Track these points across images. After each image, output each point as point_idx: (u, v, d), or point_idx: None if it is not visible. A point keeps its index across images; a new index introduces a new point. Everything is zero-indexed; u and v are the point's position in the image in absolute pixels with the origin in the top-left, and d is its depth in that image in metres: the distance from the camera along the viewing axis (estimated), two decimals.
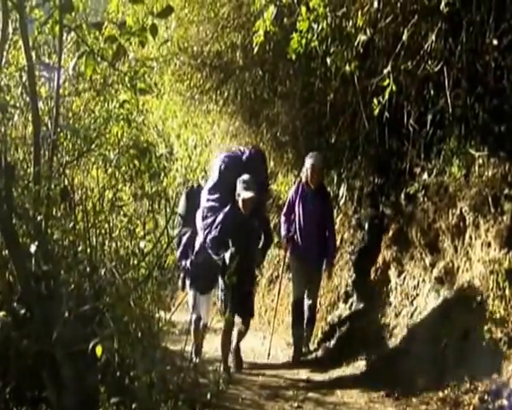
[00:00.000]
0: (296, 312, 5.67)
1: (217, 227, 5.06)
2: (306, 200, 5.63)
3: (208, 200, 5.29)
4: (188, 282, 5.82)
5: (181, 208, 6.13)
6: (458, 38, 4.46)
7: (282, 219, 5.87)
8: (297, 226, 5.69)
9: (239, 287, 4.62)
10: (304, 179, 5.67)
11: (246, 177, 5.11)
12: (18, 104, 3.79)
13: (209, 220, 5.18)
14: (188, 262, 5.66)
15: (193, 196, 5.94)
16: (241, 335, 5.41)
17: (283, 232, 5.81)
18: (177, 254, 5.88)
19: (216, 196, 5.25)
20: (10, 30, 3.79)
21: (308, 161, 5.61)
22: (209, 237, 5.11)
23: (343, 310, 5.90)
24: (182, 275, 5.92)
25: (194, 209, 5.59)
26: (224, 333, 5.23)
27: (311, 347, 5.85)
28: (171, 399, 2.72)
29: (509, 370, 3.63)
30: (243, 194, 5.05)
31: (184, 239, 5.83)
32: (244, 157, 5.39)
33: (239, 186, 5.09)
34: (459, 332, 4.14)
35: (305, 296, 5.67)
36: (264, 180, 5.58)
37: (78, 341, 2.53)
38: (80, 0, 4.99)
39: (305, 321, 5.67)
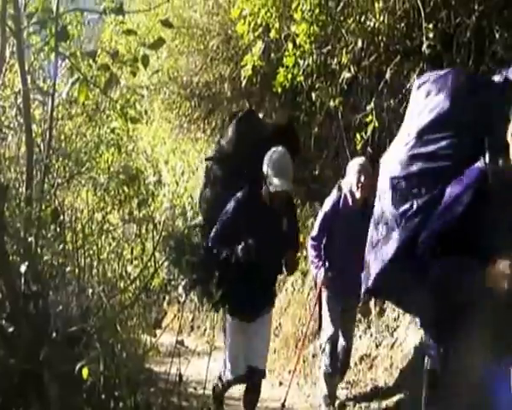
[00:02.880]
0: (333, 357, 4.46)
1: (457, 202, 2.21)
2: (348, 219, 4.29)
3: (428, 142, 2.41)
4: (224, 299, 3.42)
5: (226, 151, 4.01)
6: None
7: (312, 243, 4.44)
8: (334, 254, 4.38)
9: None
10: (347, 190, 4.31)
11: None
12: (12, 125, 3.85)
13: (432, 194, 2.31)
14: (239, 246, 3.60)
15: (251, 130, 3.99)
16: None
17: (317, 263, 4.39)
18: (210, 239, 3.82)
19: (443, 134, 2.38)
20: (7, 54, 3.87)
21: (354, 166, 4.30)
22: (435, 225, 2.23)
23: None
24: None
25: (250, 154, 3.74)
26: None
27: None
28: None
29: None
30: None
31: (229, 212, 3.68)
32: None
33: None
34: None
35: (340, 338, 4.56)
36: None
37: (65, 361, 2.55)
38: (76, 28, 5.12)
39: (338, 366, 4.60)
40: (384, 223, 2.45)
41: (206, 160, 4.27)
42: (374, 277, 2.50)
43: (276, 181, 3.62)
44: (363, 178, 4.21)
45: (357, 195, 4.25)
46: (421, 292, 2.32)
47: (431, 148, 2.41)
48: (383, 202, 2.52)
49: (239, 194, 3.74)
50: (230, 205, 3.72)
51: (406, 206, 2.37)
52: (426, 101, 2.57)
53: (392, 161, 2.53)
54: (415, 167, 2.42)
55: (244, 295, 3.61)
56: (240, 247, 3.56)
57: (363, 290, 2.71)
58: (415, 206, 2.35)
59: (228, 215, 3.72)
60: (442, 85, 2.52)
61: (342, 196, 4.38)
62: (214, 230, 3.76)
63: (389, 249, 2.38)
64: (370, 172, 4.29)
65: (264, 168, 3.68)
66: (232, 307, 3.78)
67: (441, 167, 2.35)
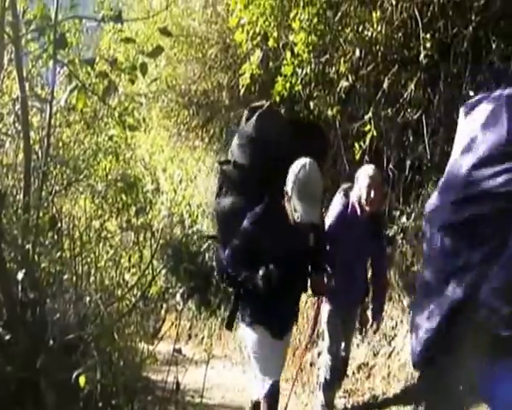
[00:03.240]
0: (334, 372, 4.40)
1: None
2: (355, 229, 4.08)
3: (483, 179, 1.90)
4: (246, 311, 3.42)
5: (241, 152, 3.50)
6: (436, 88, 4.67)
7: None
8: (337, 263, 4.09)
9: None
10: (356, 200, 4.08)
11: None
12: (10, 132, 3.85)
13: (492, 243, 1.85)
14: (259, 271, 3.15)
15: (273, 128, 3.46)
16: None
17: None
18: (226, 257, 3.34)
19: (501, 168, 1.88)
20: (5, 61, 3.87)
21: (365, 178, 4.01)
22: (497, 281, 1.81)
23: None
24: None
25: (273, 157, 3.26)
26: None
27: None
28: None
29: None
30: None
31: (247, 229, 3.24)
32: None
33: None
34: (436, 373, 4.21)
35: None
36: None
37: (62, 369, 2.54)
38: (74, 36, 5.14)
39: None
40: (432, 279, 2.00)
41: (221, 163, 3.78)
42: (420, 349, 2.03)
43: (300, 209, 3.13)
44: (373, 194, 3.99)
45: (367, 209, 4.05)
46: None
47: (487, 185, 1.89)
48: (431, 257, 2.04)
49: (258, 208, 3.27)
50: (248, 221, 3.28)
51: (458, 260, 1.90)
52: (477, 129, 2.05)
53: (441, 204, 2.04)
54: (467, 211, 1.92)
55: (266, 311, 3.32)
56: (260, 273, 3.13)
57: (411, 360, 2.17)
58: (469, 260, 1.88)
59: (245, 233, 3.27)
60: (496, 109, 2.01)
61: (350, 204, 4.16)
62: (230, 247, 3.33)
63: (439, 312, 1.93)
64: (380, 183, 4.14)
65: (288, 186, 3.20)
66: (259, 319, 3.40)
67: (501, 210, 1.85)
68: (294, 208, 3.16)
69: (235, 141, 3.67)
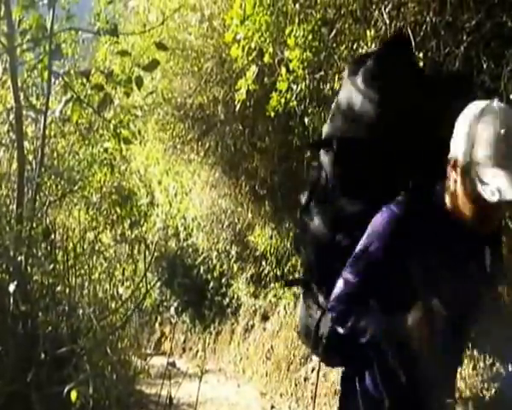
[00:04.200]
0: None
1: None
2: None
3: None
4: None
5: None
6: None
7: None
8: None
9: None
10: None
11: None
12: (4, 141, 3.84)
13: None
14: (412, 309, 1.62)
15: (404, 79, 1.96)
16: None
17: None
18: (332, 305, 1.82)
19: None
20: (0, 70, 3.87)
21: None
22: None
23: (317, 363, 5.90)
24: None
25: (407, 123, 1.83)
26: None
27: None
28: None
29: None
30: None
31: (376, 244, 1.72)
32: None
33: None
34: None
35: None
36: None
37: (53, 383, 2.51)
38: (70, 47, 5.14)
39: None
40: None
41: (313, 146, 2.29)
42: None
43: (496, 178, 1.55)
44: None
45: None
46: None
47: None
48: None
49: (393, 205, 1.75)
50: (376, 228, 1.77)
51: None
52: None
53: None
54: None
55: (407, 395, 1.79)
56: (413, 316, 1.64)
57: None
58: None
59: (372, 251, 1.75)
60: None
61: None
62: (340, 285, 1.83)
63: None
64: None
65: (459, 149, 1.63)
66: None
67: None
68: (480, 180, 1.60)
69: (335, 109, 2.15)
